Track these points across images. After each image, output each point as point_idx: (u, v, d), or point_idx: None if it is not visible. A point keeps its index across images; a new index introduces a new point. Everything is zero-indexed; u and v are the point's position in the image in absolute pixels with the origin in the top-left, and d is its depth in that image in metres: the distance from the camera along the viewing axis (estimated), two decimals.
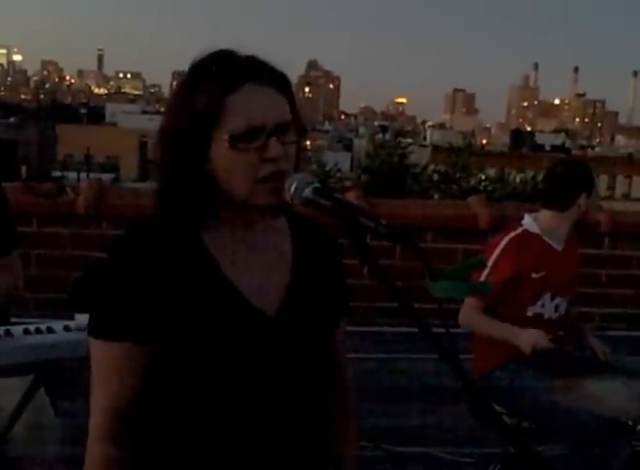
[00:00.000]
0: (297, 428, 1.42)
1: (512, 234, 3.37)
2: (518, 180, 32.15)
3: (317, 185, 1.34)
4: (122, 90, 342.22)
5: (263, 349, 1.38)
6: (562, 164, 3.51)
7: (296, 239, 1.50)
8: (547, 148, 65.56)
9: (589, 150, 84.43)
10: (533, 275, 3.32)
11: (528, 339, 3.15)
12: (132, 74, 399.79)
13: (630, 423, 2.53)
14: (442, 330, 1.30)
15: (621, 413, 2.50)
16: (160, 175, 1.41)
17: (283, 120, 1.36)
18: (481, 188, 27.51)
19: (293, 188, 1.34)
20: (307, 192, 1.33)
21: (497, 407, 3.07)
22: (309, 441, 1.45)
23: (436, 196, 24.65)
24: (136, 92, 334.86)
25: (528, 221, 3.41)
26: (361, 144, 45.26)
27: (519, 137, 70.34)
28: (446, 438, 4.14)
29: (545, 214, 3.41)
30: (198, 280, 1.36)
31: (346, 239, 1.28)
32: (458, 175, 29.04)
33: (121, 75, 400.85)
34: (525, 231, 3.39)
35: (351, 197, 4.95)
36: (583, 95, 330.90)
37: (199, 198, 1.37)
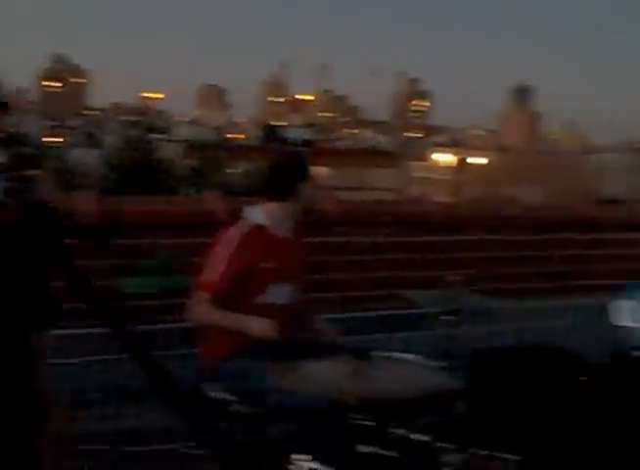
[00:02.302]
0: None
1: (239, 227, 3.47)
2: None
3: (7, 184, 1.29)
4: None
5: None
6: (281, 158, 3.68)
7: None
8: (297, 142, 67.72)
9: (337, 143, 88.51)
10: (263, 265, 3.44)
11: (258, 328, 3.27)
12: None
13: (344, 398, 2.70)
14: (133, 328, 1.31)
15: (337, 391, 2.66)
16: None
17: None
18: (233, 182, 27.84)
19: None
20: None
21: (228, 396, 3.14)
22: None
23: (191, 192, 24.60)
24: None
25: (254, 213, 3.53)
26: (111, 140, 43.97)
27: (270, 132, 72.05)
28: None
29: (269, 206, 3.54)
30: None
31: (38, 238, 1.25)
32: (210, 170, 29.11)
33: None
34: (252, 223, 3.50)
35: (84, 197, 4.79)
36: (330, 91, 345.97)
37: None
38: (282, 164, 3.56)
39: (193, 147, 36.68)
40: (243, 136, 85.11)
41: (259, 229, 3.49)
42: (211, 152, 31.65)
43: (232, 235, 3.42)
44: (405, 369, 3.01)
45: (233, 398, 3.15)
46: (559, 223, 6.07)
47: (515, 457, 2.72)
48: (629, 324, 3.96)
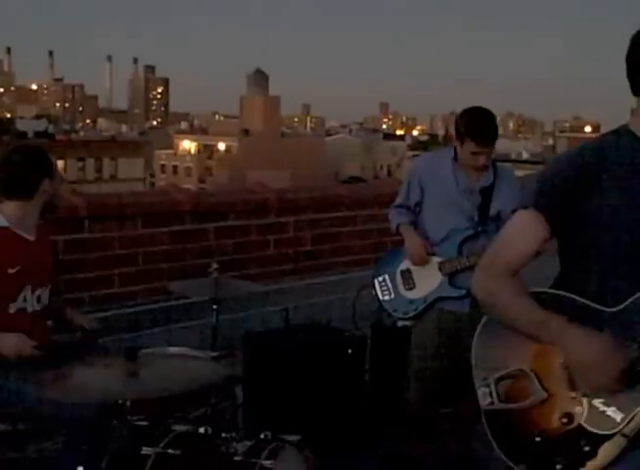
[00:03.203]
0: None
1: None
2: None
3: None
4: None
5: None
6: (18, 152, 3.38)
7: None
8: (30, 135, 63.98)
9: (73, 134, 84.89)
10: (9, 271, 3.17)
11: (10, 344, 3.01)
12: None
13: (120, 401, 2.58)
14: None
15: (108, 395, 2.54)
16: None
17: None
18: None
19: None
20: None
21: None
22: None
23: None
24: None
25: None
26: None
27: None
28: None
29: (9, 205, 3.26)
30: None
31: None
32: None
33: None
34: None
35: None
36: (61, 79, 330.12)
37: None
38: (22, 159, 3.28)
39: None
40: None
41: (2, 231, 3.20)
42: None
43: None
44: (177, 363, 2.93)
45: None
46: (307, 204, 6.26)
47: (296, 437, 2.75)
48: (382, 296, 4.18)
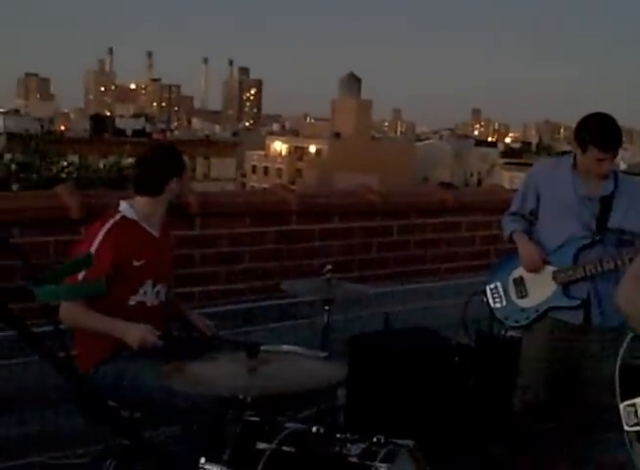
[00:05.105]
0: None
1: (110, 222, 3.27)
2: (102, 166, 31.81)
3: None
4: None
5: None
6: (152, 149, 3.49)
7: None
8: (128, 132, 65.97)
9: (169, 133, 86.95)
10: (135, 263, 3.27)
11: (137, 335, 3.10)
12: None
13: (241, 397, 2.62)
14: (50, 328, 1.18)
15: (230, 389, 2.57)
16: None
17: None
18: (65, 176, 26.72)
19: None
20: None
21: (110, 403, 2.96)
22: None
23: (16, 187, 23.32)
24: None
25: (125, 208, 3.34)
26: None
27: (99, 122, 69.63)
28: (55, 441, 3.93)
29: (140, 201, 3.37)
30: None
31: None
32: (38, 164, 27.75)
33: None
34: (124, 218, 3.31)
35: None
36: (159, 80, 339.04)
37: None
38: (158, 158, 3.38)
39: (17, 139, 34.67)
40: (69, 127, 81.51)
41: (132, 224, 3.32)
42: (39, 144, 30.15)
43: (104, 230, 3.22)
44: (293, 361, 2.95)
45: (114, 404, 2.98)
46: (410, 208, 6.22)
47: (410, 441, 2.73)
48: (493, 304, 4.12)
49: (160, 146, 3.78)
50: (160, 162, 3.36)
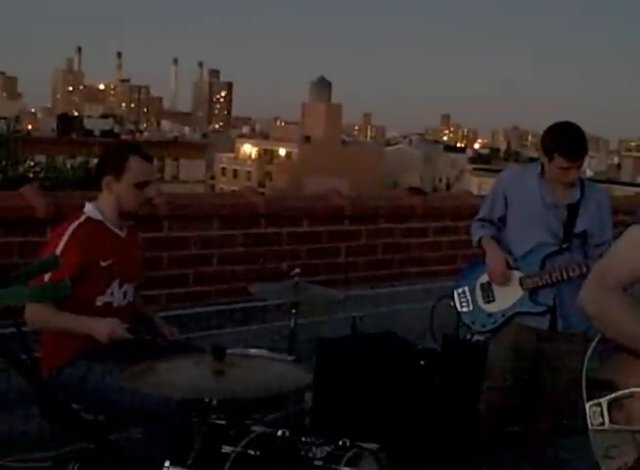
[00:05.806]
0: None
1: (75, 223, 3.25)
2: (69, 166, 31.47)
3: None
4: None
5: None
6: (107, 149, 3.51)
7: None
8: (97, 133, 65.36)
9: (138, 134, 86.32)
10: (102, 263, 3.25)
11: (105, 329, 3.08)
12: None
13: (206, 400, 2.60)
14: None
15: (196, 392, 2.56)
16: None
17: None
18: (31, 176, 26.38)
19: None
20: None
21: (73, 405, 2.93)
22: None
23: None
24: None
25: (90, 209, 3.33)
26: None
27: (66, 122, 68.92)
28: (17, 445, 3.87)
29: (103, 201, 3.36)
30: None
31: None
32: (4, 163, 27.37)
33: None
34: (88, 219, 3.30)
35: None
36: (128, 80, 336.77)
37: None
38: (108, 155, 3.41)
39: None
40: (36, 127, 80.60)
41: (97, 224, 3.30)
42: (5, 144, 29.73)
43: (69, 231, 3.20)
44: (261, 365, 2.94)
45: (78, 407, 2.95)
46: (379, 212, 6.24)
47: (374, 445, 2.73)
48: (460, 308, 4.14)
49: (107, 145, 3.83)
50: (100, 159, 3.40)
